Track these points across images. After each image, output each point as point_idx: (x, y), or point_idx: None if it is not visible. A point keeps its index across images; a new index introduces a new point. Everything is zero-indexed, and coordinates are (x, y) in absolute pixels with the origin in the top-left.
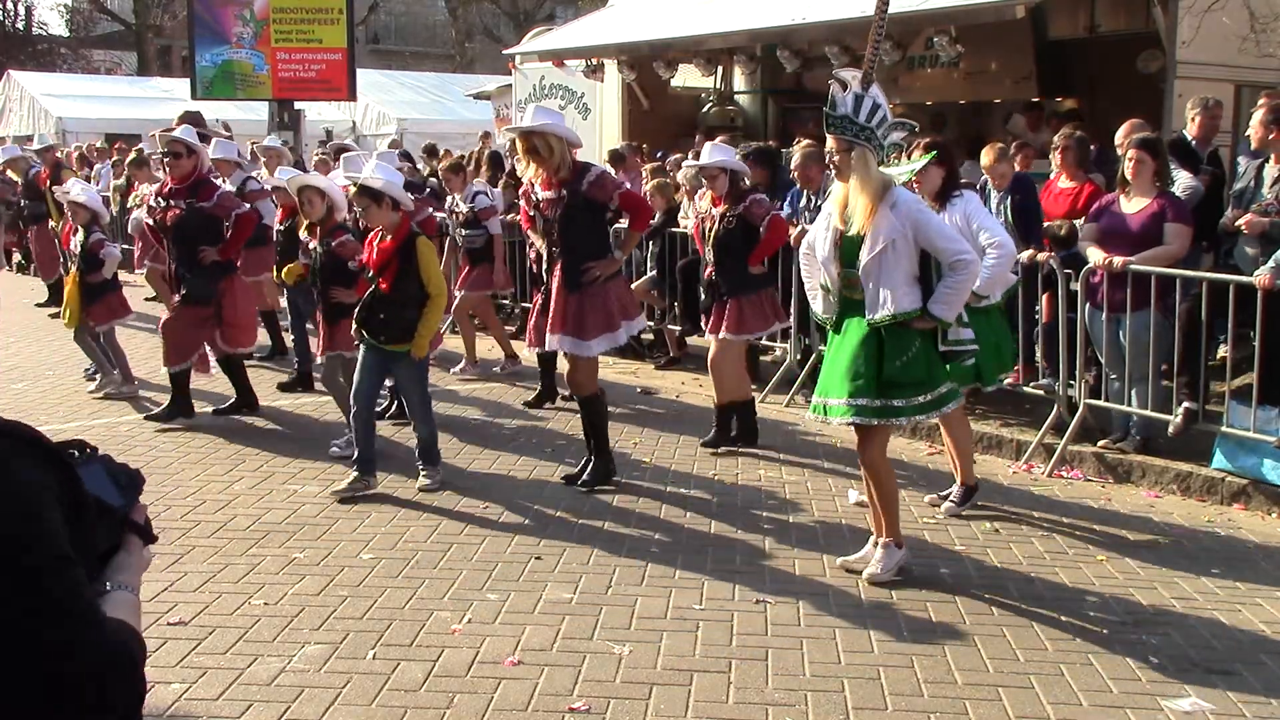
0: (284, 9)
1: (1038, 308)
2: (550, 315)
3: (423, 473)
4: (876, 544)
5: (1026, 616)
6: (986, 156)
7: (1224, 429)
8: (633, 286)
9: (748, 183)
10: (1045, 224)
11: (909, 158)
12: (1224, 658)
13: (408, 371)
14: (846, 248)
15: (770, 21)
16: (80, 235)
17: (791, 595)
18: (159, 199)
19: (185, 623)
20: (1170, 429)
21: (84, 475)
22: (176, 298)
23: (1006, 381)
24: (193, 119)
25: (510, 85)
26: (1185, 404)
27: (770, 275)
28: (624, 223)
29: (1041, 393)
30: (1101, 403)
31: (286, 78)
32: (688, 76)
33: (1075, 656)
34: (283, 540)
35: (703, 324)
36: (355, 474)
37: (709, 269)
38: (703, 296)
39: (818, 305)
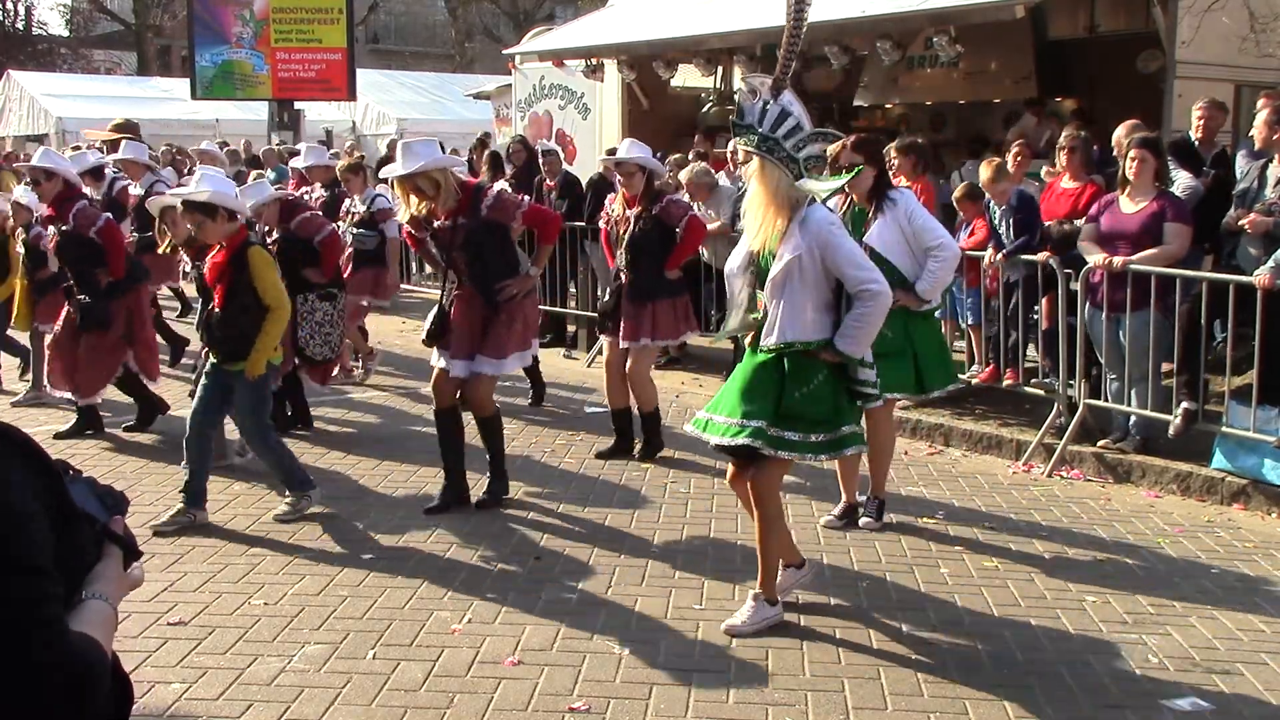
0: (284, 9)
1: (1037, 307)
2: (458, 338)
3: (290, 502)
4: (789, 569)
5: (1026, 616)
6: (985, 173)
7: (1224, 429)
8: (600, 305)
9: (669, 183)
10: (1045, 223)
11: (838, 172)
12: (1224, 658)
13: (243, 391)
14: (761, 265)
15: (770, 21)
16: (21, 234)
17: (791, 595)
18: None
19: (185, 623)
20: (1170, 429)
21: (70, 491)
22: (60, 319)
23: (1005, 382)
24: (127, 127)
25: (510, 85)
26: (1185, 404)
27: (686, 281)
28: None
29: (1041, 393)
30: (1101, 403)
31: (286, 78)
32: (688, 76)
33: (1075, 656)
34: (283, 540)
35: (609, 331)
36: (180, 504)
37: (621, 273)
38: (606, 299)
39: (730, 320)
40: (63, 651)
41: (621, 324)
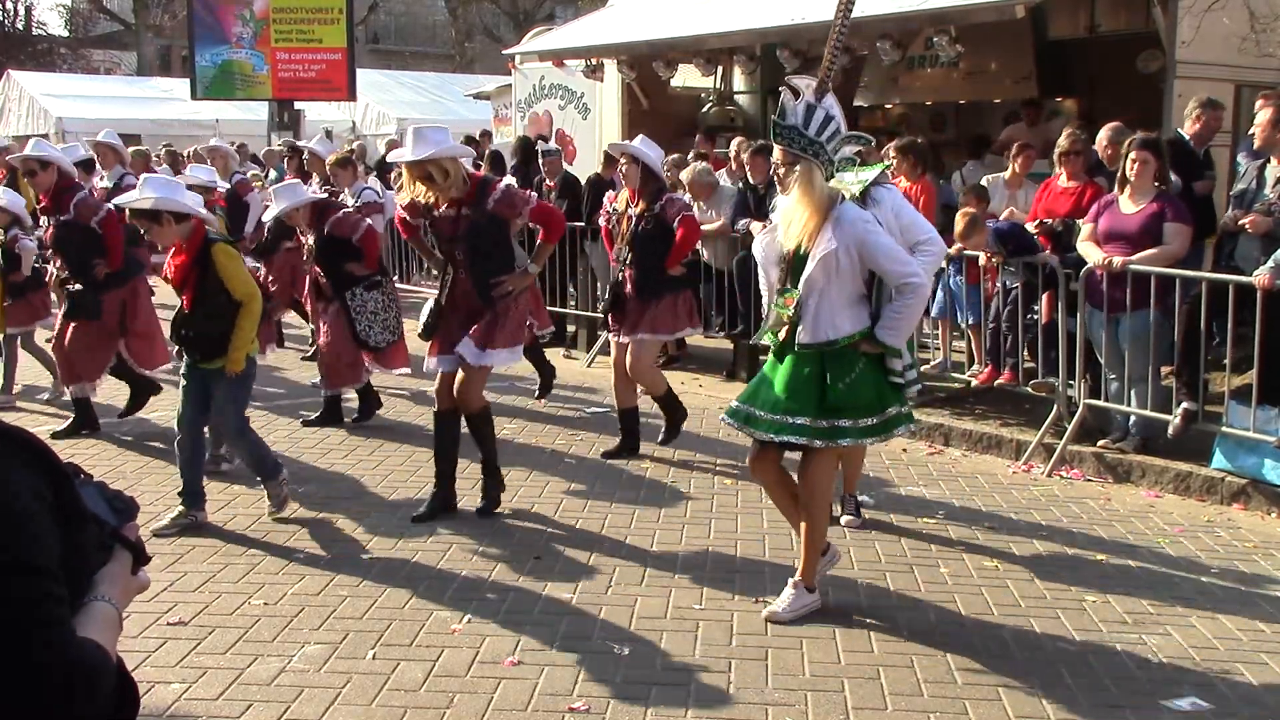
0: (284, 9)
1: (1037, 307)
2: (446, 331)
3: (269, 491)
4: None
5: (1026, 616)
6: (959, 226)
7: (1224, 429)
8: (602, 306)
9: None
10: (1042, 220)
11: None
12: (1224, 658)
13: (224, 389)
14: (795, 263)
15: (770, 21)
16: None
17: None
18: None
19: (185, 623)
20: (1170, 429)
21: (81, 494)
22: (59, 312)
23: (998, 382)
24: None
25: (510, 85)
26: (1185, 404)
27: (688, 277)
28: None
29: (1041, 393)
30: (1101, 403)
31: (286, 78)
32: (688, 76)
33: (1075, 656)
34: (283, 540)
35: (611, 329)
36: (180, 508)
37: (623, 270)
38: (608, 298)
39: (766, 311)
40: (63, 652)
41: (623, 321)
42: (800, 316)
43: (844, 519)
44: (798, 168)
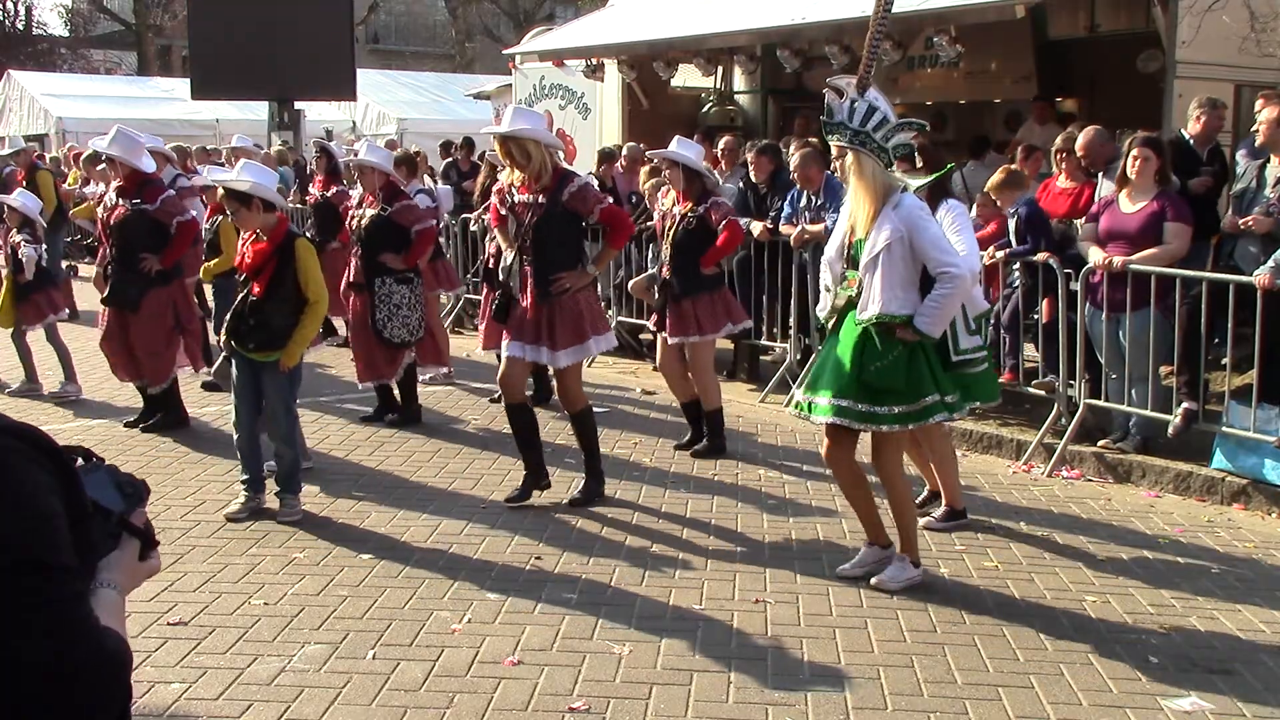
0: None
1: (1037, 307)
2: (519, 324)
3: (282, 503)
4: (874, 547)
5: (1026, 616)
6: (997, 177)
7: (1224, 429)
8: (630, 284)
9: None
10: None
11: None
12: (1224, 658)
13: (277, 382)
14: (855, 249)
15: (770, 21)
16: (14, 237)
17: (791, 595)
18: (112, 195)
19: (185, 623)
20: (1170, 429)
21: (88, 481)
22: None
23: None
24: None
25: (510, 85)
26: (1185, 404)
27: (721, 276)
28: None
29: (1041, 393)
30: (1101, 403)
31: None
32: (688, 76)
33: (1075, 656)
34: (283, 540)
35: (654, 325)
36: (244, 493)
37: (664, 268)
38: (656, 297)
39: (823, 303)
40: (99, 648)
41: (667, 321)
42: (858, 296)
43: (923, 521)
44: (848, 157)
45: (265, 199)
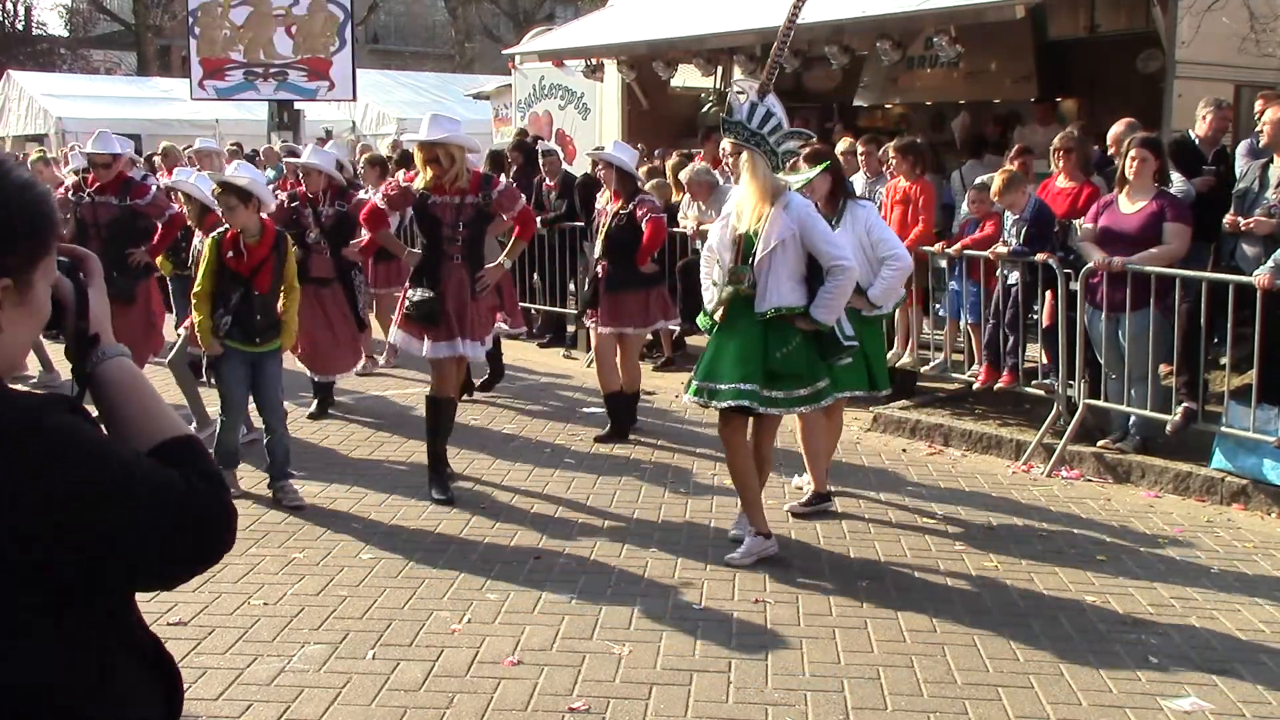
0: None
1: (1037, 307)
2: (453, 319)
3: (283, 490)
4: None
5: (1026, 616)
6: (997, 182)
7: (1223, 429)
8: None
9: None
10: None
11: (797, 168)
12: (1224, 658)
13: (277, 369)
14: (744, 245)
15: (771, 21)
16: None
17: (791, 595)
18: (84, 194)
19: (185, 623)
20: (1169, 429)
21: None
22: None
23: (1001, 383)
24: None
25: (510, 85)
26: (1184, 404)
27: (659, 274)
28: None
29: (1041, 393)
30: (1101, 403)
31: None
32: (687, 76)
33: (1075, 656)
34: (283, 540)
35: (587, 318)
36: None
37: (601, 264)
38: (585, 290)
39: (710, 295)
40: (217, 499)
41: (600, 312)
42: (752, 290)
43: (786, 507)
44: (743, 155)
45: (260, 198)
